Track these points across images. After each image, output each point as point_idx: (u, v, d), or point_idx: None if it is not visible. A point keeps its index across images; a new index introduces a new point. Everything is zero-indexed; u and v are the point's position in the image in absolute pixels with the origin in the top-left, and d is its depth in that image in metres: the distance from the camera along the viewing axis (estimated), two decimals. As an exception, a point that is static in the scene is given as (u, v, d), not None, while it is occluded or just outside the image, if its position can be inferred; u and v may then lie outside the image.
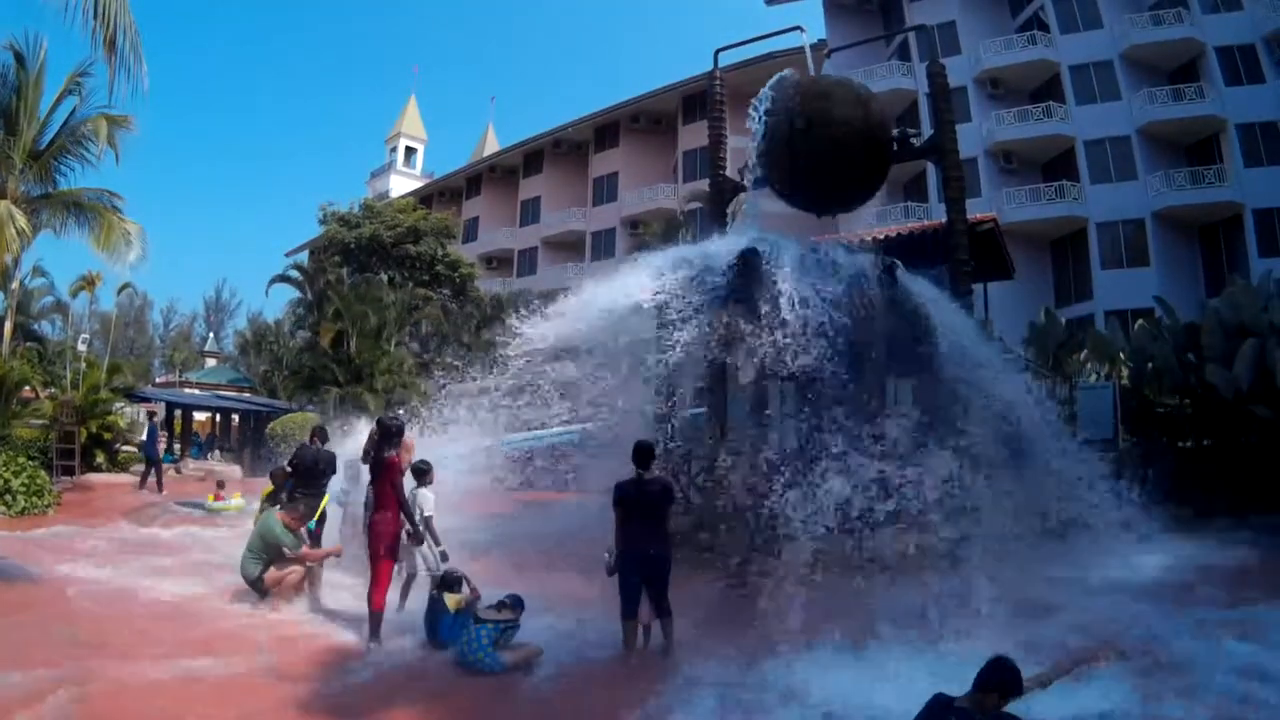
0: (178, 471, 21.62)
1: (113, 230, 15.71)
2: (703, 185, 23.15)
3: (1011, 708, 3.94)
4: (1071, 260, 29.47)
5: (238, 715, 5.07)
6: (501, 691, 5.60)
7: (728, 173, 15.72)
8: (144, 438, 18.76)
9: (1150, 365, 15.79)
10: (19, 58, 14.88)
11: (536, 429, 21.34)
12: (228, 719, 5.02)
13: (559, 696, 5.54)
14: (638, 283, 9.68)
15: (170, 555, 10.14)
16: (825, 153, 12.00)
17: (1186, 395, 15.08)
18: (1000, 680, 3.94)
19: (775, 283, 9.06)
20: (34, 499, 11.51)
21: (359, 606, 7.07)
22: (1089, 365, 17.15)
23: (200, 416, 35.41)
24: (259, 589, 7.60)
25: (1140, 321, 18.15)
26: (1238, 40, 27.04)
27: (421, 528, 7.27)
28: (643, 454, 6.65)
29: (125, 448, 21.73)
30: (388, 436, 6.98)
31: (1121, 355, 16.76)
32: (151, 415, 20.30)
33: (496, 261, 48.26)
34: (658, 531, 6.51)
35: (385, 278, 35.11)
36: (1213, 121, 27.12)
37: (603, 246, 43.05)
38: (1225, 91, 26.88)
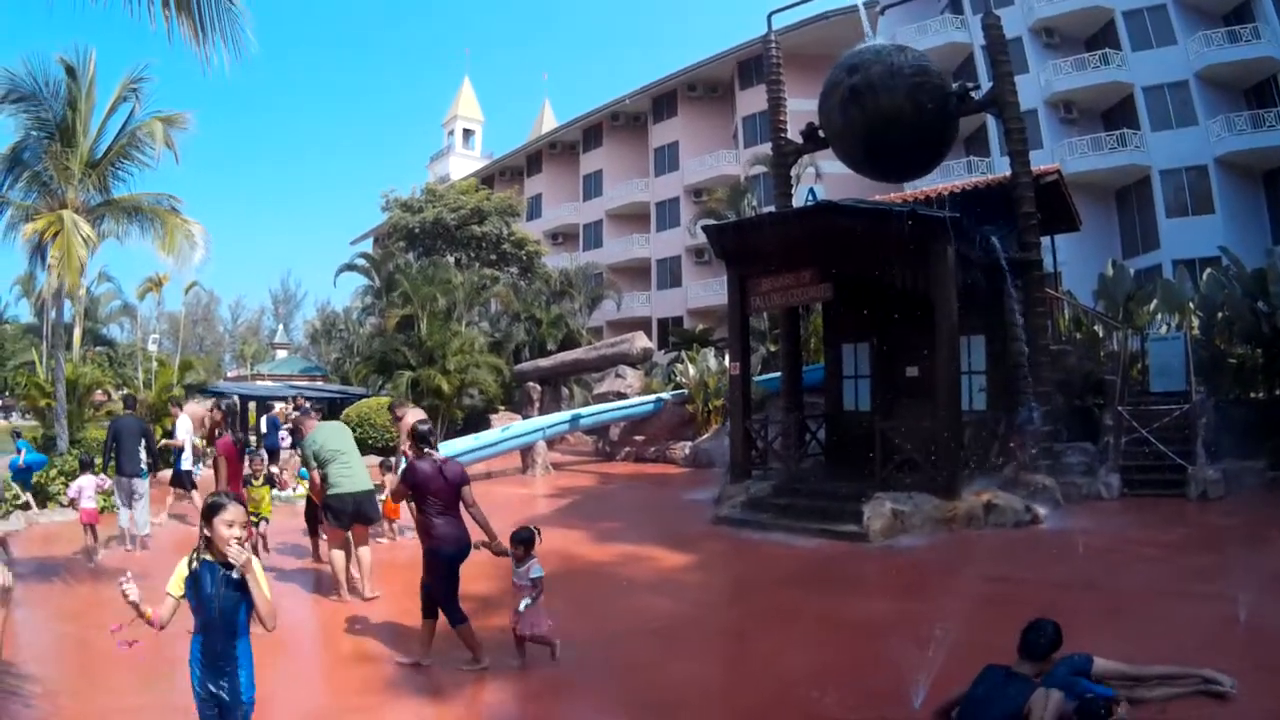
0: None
1: (175, 232, 15.70)
2: (765, 149, 23.20)
3: None
4: (1137, 210, 28.87)
5: None
6: (496, 694, 5.51)
7: (789, 135, 15.85)
8: (264, 430, 19.25)
9: (1220, 315, 15.52)
10: (70, 71, 15.04)
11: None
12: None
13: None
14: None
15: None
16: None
17: (1259, 344, 14.73)
18: (1051, 641, 4.08)
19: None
20: (106, 498, 11.79)
21: (361, 611, 7.32)
22: (1159, 316, 17.00)
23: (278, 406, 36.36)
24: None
25: (1209, 270, 17.84)
26: (1292, -24, 26.09)
27: None
28: (423, 433, 5.78)
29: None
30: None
31: (1191, 305, 16.56)
32: (269, 408, 20.80)
33: (562, 237, 48.77)
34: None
35: (452, 259, 35.53)
36: (1270, 63, 26.16)
37: (667, 216, 43.32)
38: (1281, 31, 25.99)
